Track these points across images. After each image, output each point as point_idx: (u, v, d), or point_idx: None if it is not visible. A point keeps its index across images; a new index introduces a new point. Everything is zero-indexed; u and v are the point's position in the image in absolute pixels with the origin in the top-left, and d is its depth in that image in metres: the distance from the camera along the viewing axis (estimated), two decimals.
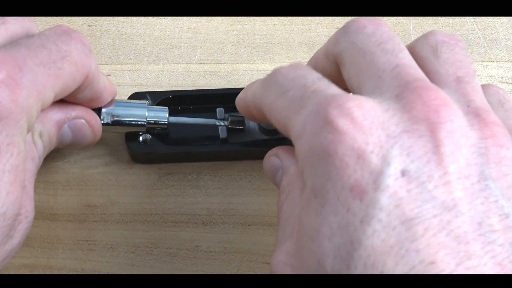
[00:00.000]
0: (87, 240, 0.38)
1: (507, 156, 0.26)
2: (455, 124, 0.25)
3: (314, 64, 0.33)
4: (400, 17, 0.43)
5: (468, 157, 0.25)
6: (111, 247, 0.38)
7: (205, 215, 0.39)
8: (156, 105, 0.39)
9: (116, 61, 0.42)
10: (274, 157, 0.32)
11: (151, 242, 0.38)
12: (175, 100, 0.40)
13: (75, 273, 0.37)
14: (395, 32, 0.43)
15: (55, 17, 0.43)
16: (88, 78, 0.33)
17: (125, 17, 0.43)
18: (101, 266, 0.37)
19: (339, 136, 0.25)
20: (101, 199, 0.39)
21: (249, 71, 0.42)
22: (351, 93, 0.28)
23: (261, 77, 0.42)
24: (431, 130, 0.25)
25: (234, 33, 0.43)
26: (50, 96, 0.31)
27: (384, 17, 0.43)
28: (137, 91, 0.40)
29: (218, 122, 0.39)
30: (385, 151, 0.25)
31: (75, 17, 0.43)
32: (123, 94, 0.41)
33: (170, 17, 0.43)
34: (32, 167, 0.33)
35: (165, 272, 0.37)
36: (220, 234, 0.38)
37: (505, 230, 0.24)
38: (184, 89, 0.41)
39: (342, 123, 0.25)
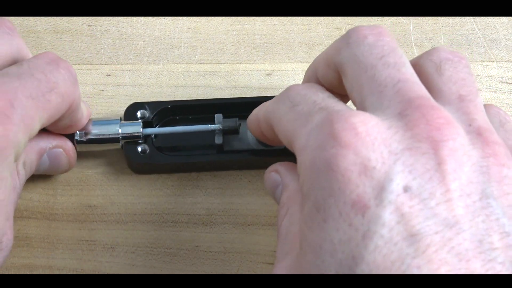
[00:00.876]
0: (87, 240, 0.38)
1: (509, 175, 0.26)
2: (457, 143, 0.25)
3: (314, 70, 0.33)
4: (400, 17, 0.43)
5: (470, 175, 0.25)
6: (111, 247, 0.38)
7: (205, 215, 0.39)
8: (154, 116, 0.39)
9: (116, 61, 0.42)
10: (274, 173, 0.32)
11: (151, 242, 0.38)
12: (174, 110, 0.40)
13: (75, 273, 0.37)
14: (395, 32, 0.43)
15: (55, 17, 0.43)
16: (71, 108, 0.34)
17: (125, 17, 0.43)
18: (101, 266, 0.37)
19: (342, 150, 0.25)
20: (101, 199, 0.39)
21: (249, 71, 0.42)
22: (355, 109, 0.28)
23: (261, 77, 0.42)
24: (434, 148, 0.25)
25: (234, 33, 0.43)
26: (36, 128, 0.31)
27: (384, 17, 0.43)
28: (134, 101, 0.39)
29: (211, 127, 0.38)
30: (388, 167, 0.25)
31: (75, 17, 0.43)
32: (123, 94, 0.41)
33: (170, 17, 0.43)
34: (13, 196, 0.33)
35: (165, 272, 0.37)
36: (220, 234, 0.38)
37: (505, 248, 0.24)
38: (184, 92, 0.41)
39: (346, 138, 0.25)
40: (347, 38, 0.30)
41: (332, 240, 0.24)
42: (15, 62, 0.33)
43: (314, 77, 0.33)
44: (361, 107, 0.28)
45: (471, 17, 0.43)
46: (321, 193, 0.25)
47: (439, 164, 0.25)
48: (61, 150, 0.36)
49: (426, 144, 0.25)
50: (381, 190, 0.24)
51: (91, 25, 0.43)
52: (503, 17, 0.44)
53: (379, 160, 0.25)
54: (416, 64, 0.30)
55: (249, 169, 0.39)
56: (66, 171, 0.38)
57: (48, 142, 0.36)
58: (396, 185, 0.24)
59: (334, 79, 0.31)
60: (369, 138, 0.25)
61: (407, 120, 0.26)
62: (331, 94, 0.30)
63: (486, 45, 0.43)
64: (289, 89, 0.31)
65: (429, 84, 0.29)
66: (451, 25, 0.43)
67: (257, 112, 0.34)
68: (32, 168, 0.35)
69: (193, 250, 0.38)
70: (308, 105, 0.29)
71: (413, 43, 0.43)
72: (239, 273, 0.37)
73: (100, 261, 0.38)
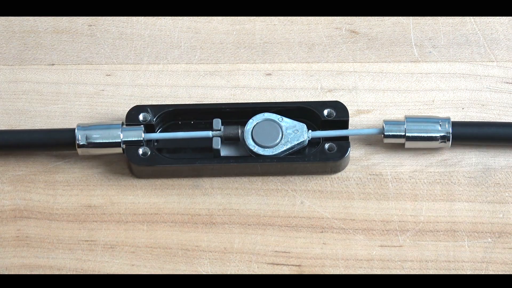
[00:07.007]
0: (87, 240, 0.38)
1: None
2: None
3: None
4: (400, 17, 0.43)
5: None
6: (111, 247, 0.38)
7: (205, 215, 0.39)
8: (156, 119, 0.39)
9: (116, 61, 0.42)
10: None
11: (151, 242, 0.38)
12: (176, 114, 0.40)
13: (75, 273, 0.37)
14: (395, 32, 0.43)
15: (55, 17, 0.43)
16: None
17: (125, 17, 0.43)
18: (101, 266, 0.37)
19: None
20: (101, 199, 0.39)
21: (249, 71, 0.42)
22: None
23: (261, 77, 0.42)
24: None
25: (234, 33, 0.43)
26: None
27: (384, 17, 0.43)
28: (135, 101, 0.39)
29: (212, 133, 0.38)
30: None
31: (75, 17, 0.43)
32: (123, 94, 0.41)
33: (170, 17, 0.43)
34: None
35: (165, 272, 0.37)
36: (220, 234, 0.38)
37: None
38: (184, 92, 0.41)
39: None
40: None
41: None
42: None
43: None
44: None
45: (471, 17, 0.44)
46: None
47: None
48: None
49: None
50: None
51: (91, 25, 0.43)
52: (503, 17, 0.44)
53: None
54: None
55: (246, 175, 0.39)
56: None
57: None
58: None
59: None
60: None
61: None
62: None
63: (486, 45, 0.43)
64: None
65: None
66: (451, 25, 0.43)
67: None
68: None
69: (193, 250, 0.38)
70: None
71: (413, 43, 0.43)
72: (239, 273, 0.37)
73: (100, 261, 0.38)
